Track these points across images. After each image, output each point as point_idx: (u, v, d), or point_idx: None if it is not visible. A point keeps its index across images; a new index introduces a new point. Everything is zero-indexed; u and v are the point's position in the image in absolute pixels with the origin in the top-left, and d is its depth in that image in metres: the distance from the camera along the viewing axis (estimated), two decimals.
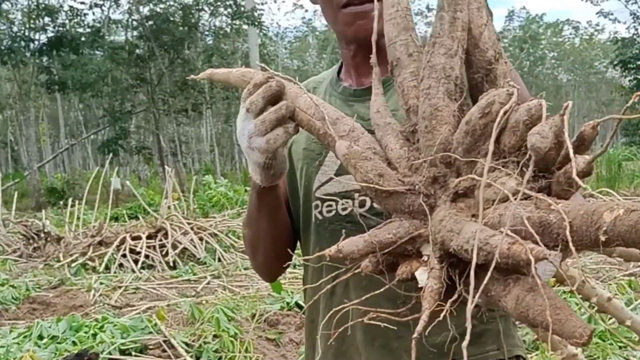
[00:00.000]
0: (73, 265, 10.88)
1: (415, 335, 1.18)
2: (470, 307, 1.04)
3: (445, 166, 1.27)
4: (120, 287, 9.54)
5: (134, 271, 10.61)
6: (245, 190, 18.49)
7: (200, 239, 11.57)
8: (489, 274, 1.06)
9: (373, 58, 1.45)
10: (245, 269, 10.68)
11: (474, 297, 1.06)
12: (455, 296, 1.21)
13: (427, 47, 1.31)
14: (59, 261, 11.23)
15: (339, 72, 1.90)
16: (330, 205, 1.73)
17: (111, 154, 24.28)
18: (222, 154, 34.98)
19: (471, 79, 1.34)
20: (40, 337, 6.09)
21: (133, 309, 8.38)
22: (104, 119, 28.14)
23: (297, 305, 6.95)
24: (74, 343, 5.99)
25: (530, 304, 1.07)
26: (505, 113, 1.15)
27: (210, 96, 26.54)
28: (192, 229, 11.69)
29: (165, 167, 13.74)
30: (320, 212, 1.75)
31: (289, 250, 1.78)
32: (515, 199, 1.09)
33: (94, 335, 6.04)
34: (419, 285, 1.27)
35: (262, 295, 8.12)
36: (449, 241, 1.17)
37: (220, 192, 16.98)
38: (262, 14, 27.24)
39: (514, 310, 1.10)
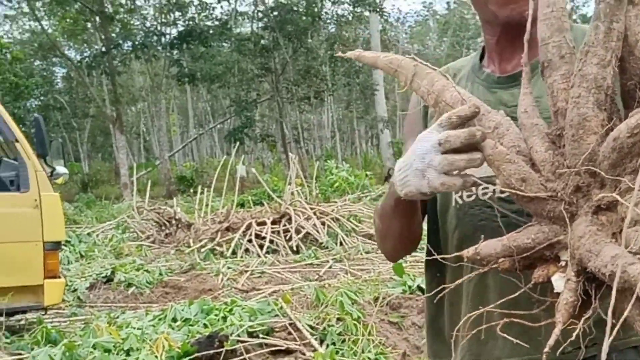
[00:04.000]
0: (202, 250, 11.30)
1: (546, 349, 1.26)
2: (605, 348, 1.08)
3: (590, 176, 1.28)
4: (246, 272, 9.84)
5: (259, 256, 10.92)
6: (366, 175, 18.61)
7: (323, 223, 11.76)
8: (629, 306, 1.10)
9: (524, 58, 1.47)
10: (366, 252, 10.79)
11: (610, 336, 1.09)
12: (590, 313, 1.26)
13: (579, 55, 1.31)
14: (189, 246, 11.68)
15: (481, 59, 1.89)
16: (471, 190, 1.73)
17: (237, 142, 24.95)
18: (342, 140, 35.25)
19: (624, 85, 1.33)
20: (174, 320, 6.38)
21: (259, 292, 8.64)
22: (231, 108, 28.92)
23: (419, 288, 6.96)
24: (205, 325, 6.24)
25: None
26: None
27: (332, 83, 26.77)
28: (314, 214, 11.90)
29: (289, 153, 14.05)
30: (461, 197, 1.76)
31: (416, 240, 1.83)
32: None
33: (224, 318, 6.27)
34: (555, 291, 1.32)
35: (383, 278, 8.20)
36: (587, 261, 1.21)
37: (341, 177, 17.15)
38: (383, 0, 27.23)
39: None
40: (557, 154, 1.33)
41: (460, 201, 1.77)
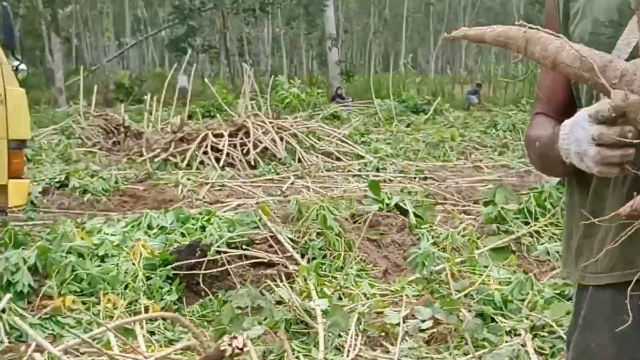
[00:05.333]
0: (155, 160, 10.97)
1: None
2: None
3: None
4: (206, 184, 9.59)
5: (214, 168, 10.65)
6: (318, 94, 18.37)
7: (281, 138, 11.51)
8: None
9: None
10: (327, 170, 10.64)
11: None
12: None
13: None
14: (141, 156, 11.32)
15: None
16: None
17: (184, 53, 24.18)
18: (286, 56, 34.56)
19: None
20: (150, 227, 6.14)
21: (223, 205, 8.43)
22: (173, 15, 27.92)
23: (397, 207, 6.86)
24: (183, 234, 6.03)
25: None
26: None
27: None
28: (272, 128, 11.64)
29: (245, 65, 13.59)
30: None
31: None
32: None
33: (202, 227, 6.06)
34: None
35: (358, 196, 8.08)
36: None
37: (292, 93, 16.83)
38: None
39: None
40: None
41: None
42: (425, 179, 9.82)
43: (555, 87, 1.82)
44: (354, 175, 10.18)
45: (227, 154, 11.00)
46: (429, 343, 4.63)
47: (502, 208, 6.80)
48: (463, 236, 6.13)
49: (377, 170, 10.36)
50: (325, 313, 4.82)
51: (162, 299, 5.29)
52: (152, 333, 4.81)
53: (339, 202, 7.36)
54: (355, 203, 7.42)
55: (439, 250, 6.04)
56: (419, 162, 11.26)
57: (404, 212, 6.80)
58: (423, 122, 16.07)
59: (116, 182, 9.26)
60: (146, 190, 9.04)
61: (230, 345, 3.53)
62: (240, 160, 11.03)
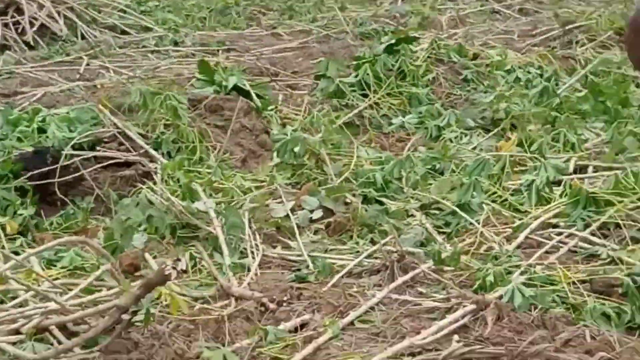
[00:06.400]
0: None
1: None
2: None
3: None
4: None
5: None
6: None
7: (58, 13, 10.41)
8: None
9: None
10: (120, 47, 9.85)
11: None
12: None
13: None
14: None
15: None
16: None
17: None
18: None
19: None
20: None
21: (25, 95, 7.58)
22: None
23: (236, 88, 6.49)
24: (19, 139, 5.35)
25: None
26: None
27: None
28: (48, 2, 10.48)
29: None
30: None
31: None
32: None
33: (40, 130, 5.40)
34: None
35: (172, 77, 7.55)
36: None
37: None
38: None
39: None
40: None
41: None
42: (228, 50, 9.45)
43: None
44: (152, 52, 9.55)
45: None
46: (328, 234, 4.58)
47: (340, 81, 6.75)
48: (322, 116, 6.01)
49: (176, 44, 9.80)
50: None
51: (15, 214, 4.75)
52: (17, 253, 4.29)
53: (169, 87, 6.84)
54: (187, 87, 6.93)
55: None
56: (211, 31, 10.79)
57: (244, 94, 6.49)
58: None
59: None
60: None
61: (174, 268, 3.25)
62: (16, 41, 9.89)
